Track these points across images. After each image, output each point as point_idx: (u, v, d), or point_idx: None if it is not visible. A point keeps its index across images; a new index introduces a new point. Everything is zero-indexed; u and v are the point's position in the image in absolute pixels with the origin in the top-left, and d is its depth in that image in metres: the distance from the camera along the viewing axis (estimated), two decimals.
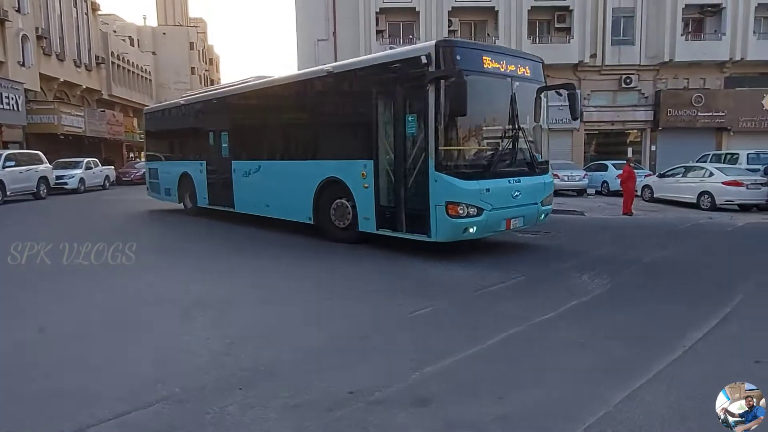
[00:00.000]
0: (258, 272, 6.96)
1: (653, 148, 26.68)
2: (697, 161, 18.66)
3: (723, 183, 14.74)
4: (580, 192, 20.16)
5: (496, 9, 25.34)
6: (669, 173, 17.43)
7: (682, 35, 25.44)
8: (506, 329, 4.44)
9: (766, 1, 24.90)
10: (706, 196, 15.00)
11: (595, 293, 5.73)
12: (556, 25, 25.85)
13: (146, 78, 47.51)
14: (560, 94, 8.82)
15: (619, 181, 15.63)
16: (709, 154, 19.89)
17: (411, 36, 25.92)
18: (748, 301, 5.44)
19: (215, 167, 11.79)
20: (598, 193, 20.80)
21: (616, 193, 17.61)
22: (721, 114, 25.19)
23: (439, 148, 6.82)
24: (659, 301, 5.53)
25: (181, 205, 13.57)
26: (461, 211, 6.83)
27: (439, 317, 4.93)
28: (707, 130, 25.74)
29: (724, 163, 17.82)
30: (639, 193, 17.08)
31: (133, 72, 44.18)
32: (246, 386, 3.38)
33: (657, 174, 18.86)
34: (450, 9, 25.24)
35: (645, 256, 8.00)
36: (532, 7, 25.26)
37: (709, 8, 25.64)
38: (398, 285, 6.20)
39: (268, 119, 10.48)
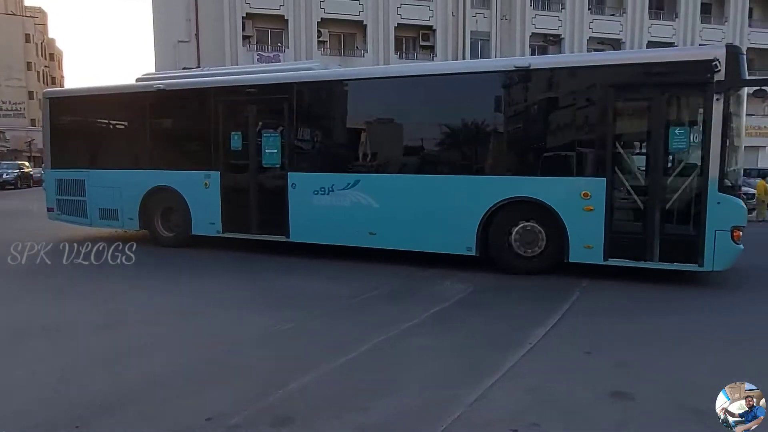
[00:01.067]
0: (107, 293, 6.32)
1: None
2: None
3: None
4: None
5: (364, 23, 26.05)
6: None
7: None
8: (370, 339, 4.50)
9: (596, 35, 28.60)
10: None
11: (454, 299, 6.06)
12: (421, 43, 27.26)
13: None
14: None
15: None
16: None
17: (279, 44, 25.65)
18: (582, 298, 6.10)
19: (245, 180, 8.65)
20: None
21: None
22: None
23: (725, 166, 6.07)
24: (510, 303, 6.00)
25: (129, 231, 10.20)
26: (741, 236, 6.18)
27: (302, 331, 4.87)
28: None
29: None
30: None
31: None
32: (84, 424, 3.02)
33: None
34: (319, 20, 25.42)
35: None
36: (398, 24, 26.37)
37: (551, 38, 28.77)
38: (260, 298, 6.01)
39: (391, 120, 8.25)
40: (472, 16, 27.57)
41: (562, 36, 28.33)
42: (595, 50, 29.50)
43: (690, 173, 6.32)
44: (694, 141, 6.25)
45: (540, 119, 7.14)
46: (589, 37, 28.58)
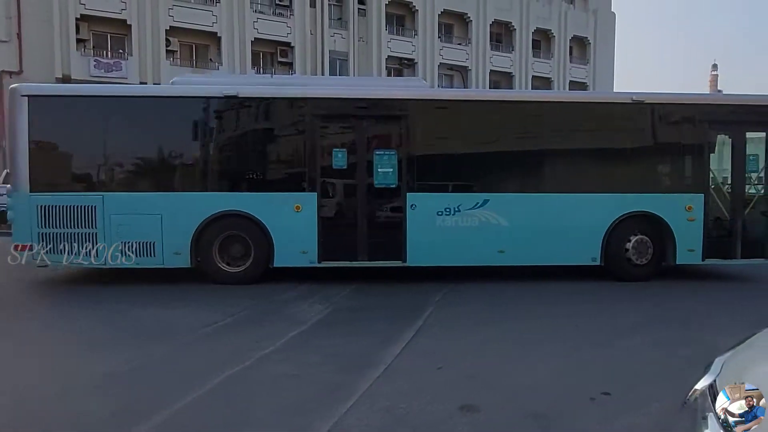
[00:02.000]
0: None
1: None
2: None
3: None
4: None
5: (219, 35, 25.08)
6: None
7: None
8: (223, 371, 4.21)
9: (446, 61, 30.69)
10: None
11: (313, 321, 5.94)
12: (279, 59, 26.96)
13: None
14: None
15: None
16: None
17: (121, 50, 23.64)
18: (436, 312, 6.36)
19: (351, 202, 7.95)
20: None
21: None
22: None
23: None
24: (368, 321, 6.04)
25: (175, 266, 7.77)
26: None
27: (146, 369, 4.40)
28: None
29: None
30: None
31: None
32: None
33: None
34: (168, 28, 23.92)
35: (356, 278, 8.68)
36: (255, 38, 25.83)
37: (406, 61, 30.30)
38: (100, 334, 5.36)
39: (521, 140, 8.38)
40: (330, 35, 28.01)
41: (416, 60, 29.98)
42: (446, 75, 31.79)
43: (761, 190, 8.43)
44: (761, 165, 8.38)
45: (654, 144, 8.39)
46: (440, 63, 30.62)
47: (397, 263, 8.00)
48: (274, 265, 7.83)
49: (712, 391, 1.30)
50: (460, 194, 8.11)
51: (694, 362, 2.75)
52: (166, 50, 24.10)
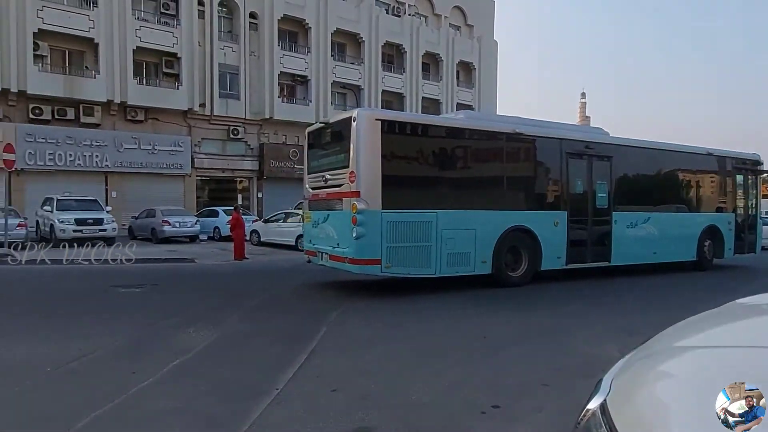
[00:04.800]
0: None
1: (260, 195, 29.14)
2: (294, 208, 21.25)
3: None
4: (193, 238, 20.11)
5: (96, 41, 23.29)
6: (273, 219, 19.25)
7: (279, 97, 28.98)
8: (93, 410, 3.78)
9: (339, 79, 31.02)
10: (302, 239, 17.13)
11: (199, 348, 5.59)
12: (165, 70, 25.61)
13: None
14: None
15: (229, 227, 16.27)
16: (303, 202, 22.89)
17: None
18: (329, 334, 6.28)
19: (584, 219, 10.82)
20: (210, 238, 21.17)
21: (228, 239, 18.22)
22: None
23: None
24: (260, 346, 5.81)
25: (477, 273, 9.32)
26: None
27: None
28: (302, 181, 29.80)
29: None
30: (248, 238, 18.23)
31: None
32: None
33: (263, 219, 20.56)
34: (36, 30, 21.81)
35: (250, 299, 8.40)
36: (137, 47, 24.32)
37: (299, 78, 30.14)
38: None
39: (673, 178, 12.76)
40: (220, 48, 27.12)
41: (309, 77, 29.93)
42: (339, 93, 32.07)
43: None
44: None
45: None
46: (333, 81, 30.85)
47: (604, 264, 11.00)
48: (541, 269, 10.01)
49: (605, 412, 1.33)
50: (637, 213, 11.52)
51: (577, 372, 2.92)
52: (35, 54, 21.90)
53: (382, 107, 31.17)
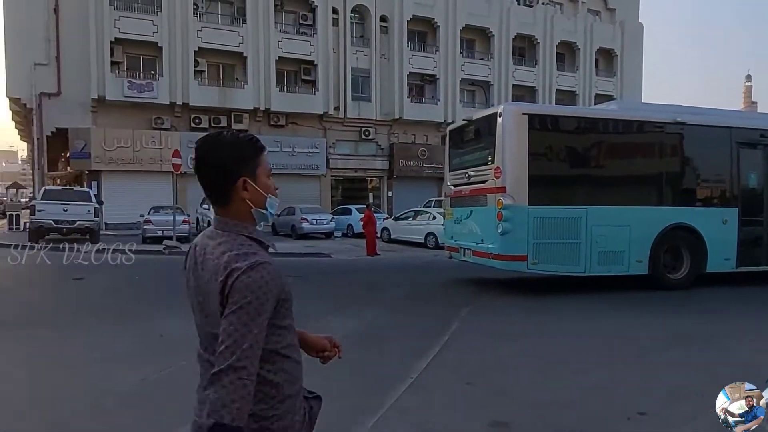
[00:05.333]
0: None
1: (390, 194, 29.95)
2: (423, 206, 21.53)
3: (443, 225, 17.25)
4: (328, 235, 21.26)
5: (244, 55, 25.63)
6: (402, 217, 19.70)
7: (408, 97, 29.54)
8: None
9: (468, 77, 30.79)
10: (431, 237, 17.30)
11: (337, 335, 5.89)
12: (303, 77, 27.39)
13: None
14: None
15: (362, 224, 16.94)
16: (432, 200, 23.16)
17: (153, 71, 24.34)
18: (462, 328, 6.29)
19: (758, 216, 9.43)
20: (344, 235, 22.23)
21: (360, 235, 19.02)
22: (440, 166, 29.63)
23: None
24: (396, 337, 6.01)
25: (631, 273, 8.73)
26: None
27: (174, 383, 4.41)
28: (431, 179, 30.05)
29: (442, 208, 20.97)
30: (379, 235, 18.84)
31: None
32: None
33: (393, 217, 21.14)
34: (197, 49, 24.57)
35: (384, 292, 8.71)
36: (279, 57, 26.31)
37: (428, 77, 30.44)
38: (131, 349, 5.42)
39: None
40: (352, 53, 28.36)
41: (438, 76, 30.11)
42: (467, 91, 31.82)
43: None
44: None
45: None
46: (462, 78, 30.69)
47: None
48: (707, 271, 8.99)
49: None
50: None
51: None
52: (195, 70, 24.72)
53: (513, 101, 30.35)
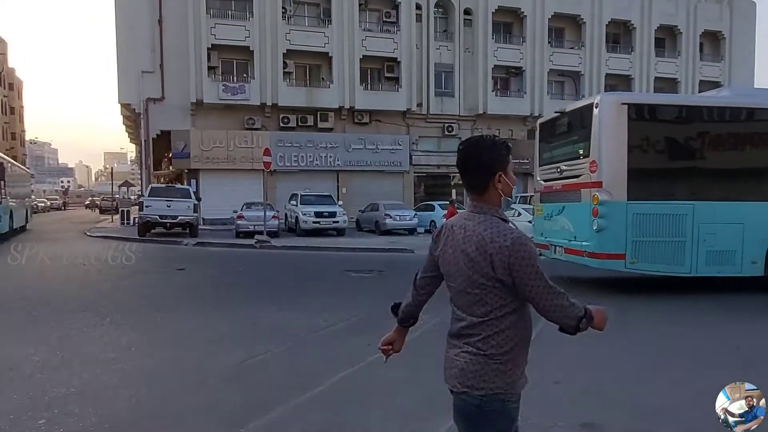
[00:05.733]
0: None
1: None
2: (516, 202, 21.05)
3: (529, 222, 16.77)
4: (411, 231, 21.37)
5: (330, 55, 26.33)
6: None
7: (492, 91, 28.96)
8: (336, 372, 4.37)
9: (556, 67, 29.65)
10: None
11: (424, 328, 5.96)
12: (386, 75, 27.67)
13: None
14: None
15: (444, 220, 16.83)
16: (517, 197, 22.58)
17: (245, 74, 25.64)
18: (549, 326, 6.08)
19: None
20: (426, 231, 22.24)
21: None
22: (525, 161, 28.78)
23: None
24: None
25: (745, 275, 8.02)
26: None
27: (268, 365, 4.69)
28: (516, 175, 29.22)
29: (529, 204, 20.38)
30: None
31: None
32: None
33: None
34: (285, 51, 25.57)
35: None
36: (364, 56, 26.75)
37: (513, 70, 29.67)
38: (233, 331, 5.81)
39: None
40: (436, 48, 28.24)
41: (524, 68, 29.25)
42: (556, 82, 30.63)
43: None
44: None
45: None
46: (550, 69, 29.60)
47: None
48: None
49: None
50: None
51: None
52: (284, 72, 25.75)
53: (606, 91, 28.80)
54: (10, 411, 3.59)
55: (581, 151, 8.20)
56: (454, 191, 29.69)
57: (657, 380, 4.30)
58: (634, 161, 7.66)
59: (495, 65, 28.77)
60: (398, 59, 27.27)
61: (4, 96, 59.98)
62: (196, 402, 3.87)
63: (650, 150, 8.01)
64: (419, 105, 27.96)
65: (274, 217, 18.89)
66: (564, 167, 8.68)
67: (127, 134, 37.93)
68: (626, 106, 7.80)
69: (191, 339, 5.55)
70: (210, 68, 24.91)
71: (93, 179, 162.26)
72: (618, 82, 30.86)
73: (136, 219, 20.47)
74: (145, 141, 25.31)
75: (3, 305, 7.24)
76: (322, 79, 27.00)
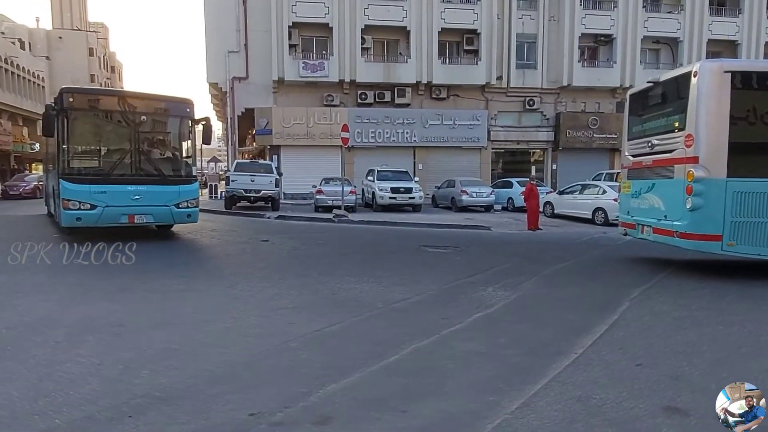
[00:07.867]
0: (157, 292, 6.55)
1: (554, 166, 28.49)
2: (592, 179, 20.13)
3: (615, 200, 15.99)
4: (488, 208, 21.03)
5: (408, 29, 26.09)
6: (568, 191, 18.66)
7: (579, 62, 27.51)
8: (412, 342, 4.48)
9: (651, 34, 27.62)
10: (600, 212, 16.17)
11: (498, 305, 5.95)
12: (465, 48, 27.02)
13: (38, 84, 43.94)
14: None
15: (523, 198, 16.45)
16: (602, 173, 21.53)
17: (324, 52, 26.01)
18: (633, 309, 5.88)
19: None
20: (504, 209, 21.80)
21: (521, 209, 18.47)
22: (613, 136, 27.36)
23: None
24: (556, 310, 5.84)
25: None
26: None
27: (346, 334, 4.89)
28: (602, 151, 27.88)
29: (616, 181, 19.37)
30: (541, 209, 18.13)
31: (24, 77, 40.72)
32: (138, 414, 3.14)
33: (557, 191, 20.13)
34: (363, 27, 25.63)
35: (546, 267, 8.45)
36: (442, 28, 26.26)
37: (603, 38, 27.98)
38: (313, 301, 6.09)
39: None
40: (518, 18, 27.13)
41: (614, 36, 27.50)
42: (650, 50, 28.56)
43: None
44: None
45: None
46: (644, 36, 27.62)
47: None
48: None
49: None
50: None
51: None
52: (362, 48, 25.87)
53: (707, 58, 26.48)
54: (118, 362, 4.01)
55: (676, 124, 7.65)
56: (533, 168, 28.78)
57: (749, 369, 4.05)
58: (737, 135, 7.06)
59: (582, 33, 27.25)
60: (478, 31, 26.52)
61: (107, 78, 64.72)
62: (279, 363, 4.12)
63: (757, 123, 7.26)
64: (499, 78, 27.14)
65: (351, 192, 19.26)
66: (656, 141, 8.17)
67: (214, 112, 39.88)
68: (729, 74, 7.16)
69: (276, 305, 5.88)
70: (291, 46, 25.51)
71: None
72: (722, 49, 28.29)
73: (223, 193, 21.66)
74: (230, 118, 26.51)
75: (108, 270, 7.99)
76: (400, 54, 26.86)
